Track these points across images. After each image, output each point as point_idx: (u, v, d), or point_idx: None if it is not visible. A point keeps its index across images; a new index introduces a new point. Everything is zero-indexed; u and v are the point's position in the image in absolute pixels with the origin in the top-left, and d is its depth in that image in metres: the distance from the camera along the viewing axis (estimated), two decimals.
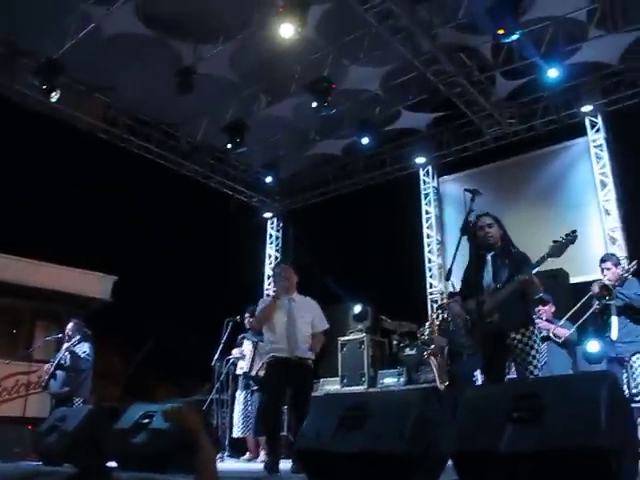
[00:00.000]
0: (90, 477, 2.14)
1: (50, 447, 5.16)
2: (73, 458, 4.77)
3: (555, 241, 4.48)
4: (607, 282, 6.26)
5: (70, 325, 7.88)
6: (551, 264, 8.44)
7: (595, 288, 6.31)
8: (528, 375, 4.37)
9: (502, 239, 4.75)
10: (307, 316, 5.68)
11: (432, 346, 7.80)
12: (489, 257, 4.70)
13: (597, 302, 6.32)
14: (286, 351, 5.45)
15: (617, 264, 6.58)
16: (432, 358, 7.60)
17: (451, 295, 7.61)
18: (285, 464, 5.41)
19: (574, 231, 4.49)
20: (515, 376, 5.19)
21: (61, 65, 8.72)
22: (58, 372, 7.59)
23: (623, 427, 2.93)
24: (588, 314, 6.45)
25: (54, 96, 8.76)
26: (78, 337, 7.70)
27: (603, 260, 6.59)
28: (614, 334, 6.18)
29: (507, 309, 4.44)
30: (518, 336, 4.45)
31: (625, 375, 6.15)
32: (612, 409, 2.83)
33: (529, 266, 4.51)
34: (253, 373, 7.19)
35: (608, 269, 6.43)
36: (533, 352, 4.43)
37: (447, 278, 4.71)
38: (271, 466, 5.15)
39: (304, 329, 5.59)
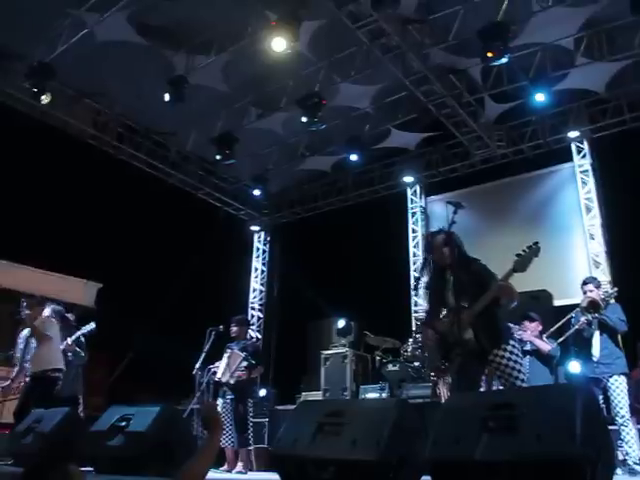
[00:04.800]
0: (48, 471, 2.14)
1: (25, 449, 5.09)
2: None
3: (518, 255, 4.33)
4: (596, 297, 6.35)
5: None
6: (534, 285, 8.67)
7: (584, 302, 6.39)
8: None
9: (457, 255, 4.59)
10: None
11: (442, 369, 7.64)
12: (449, 276, 4.56)
13: (583, 316, 6.39)
14: None
15: (598, 286, 6.69)
16: (442, 378, 7.47)
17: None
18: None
19: (536, 243, 4.36)
20: None
21: (52, 69, 8.73)
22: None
23: (597, 436, 2.95)
24: (573, 330, 6.49)
25: (45, 99, 8.76)
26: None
27: (585, 282, 6.70)
28: (596, 351, 6.25)
29: (481, 326, 4.34)
30: (500, 352, 4.34)
31: (602, 397, 6.21)
32: (587, 419, 2.86)
33: (493, 277, 4.44)
34: (224, 380, 7.16)
35: (591, 291, 6.53)
36: (518, 367, 4.34)
37: (427, 287, 4.70)
38: None
39: None
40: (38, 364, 6.96)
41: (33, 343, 7.08)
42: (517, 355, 4.41)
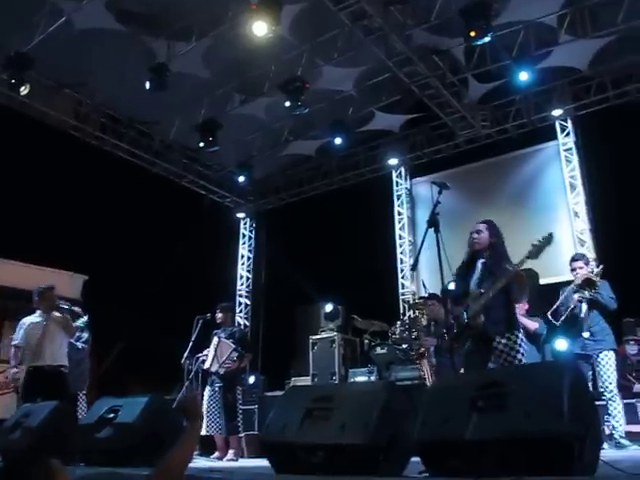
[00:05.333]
0: (30, 466, 2.10)
1: (13, 444, 5.03)
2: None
3: (533, 245, 4.56)
4: (592, 276, 6.35)
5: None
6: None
7: (579, 279, 6.40)
8: None
9: (492, 247, 4.74)
10: None
11: (421, 349, 7.72)
12: (479, 264, 4.72)
13: (577, 294, 6.39)
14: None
15: (587, 263, 6.69)
16: (423, 360, 7.57)
17: (431, 297, 7.65)
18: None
19: (550, 234, 4.59)
20: None
21: (31, 59, 8.58)
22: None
23: (585, 413, 2.96)
24: (568, 311, 6.46)
25: (23, 90, 8.63)
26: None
27: (574, 259, 6.68)
28: (587, 328, 6.27)
29: (491, 313, 4.47)
30: (504, 340, 4.45)
31: (590, 372, 6.26)
32: (574, 396, 2.87)
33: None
34: (213, 369, 7.14)
35: (581, 268, 6.53)
36: (519, 356, 4.43)
37: (413, 268, 4.75)
38: None
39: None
40: (56, 358, 6.87)
41: (50, 335, 6.90)
42: (520, 346, 4.49)
